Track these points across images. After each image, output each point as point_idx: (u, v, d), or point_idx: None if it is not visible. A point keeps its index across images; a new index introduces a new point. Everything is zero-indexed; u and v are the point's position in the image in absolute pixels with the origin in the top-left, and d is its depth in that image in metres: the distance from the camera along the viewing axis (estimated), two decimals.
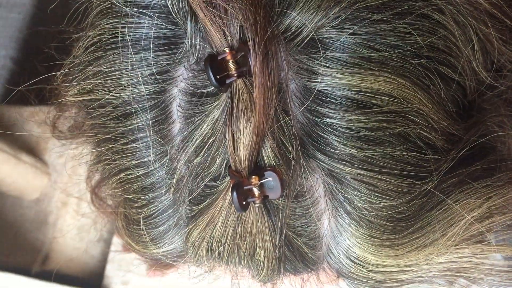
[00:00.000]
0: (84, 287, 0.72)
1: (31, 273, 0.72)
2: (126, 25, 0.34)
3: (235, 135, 0.32)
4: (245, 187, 0.33)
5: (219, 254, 0.37)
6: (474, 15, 0.34)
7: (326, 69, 0.32)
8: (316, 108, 0.33)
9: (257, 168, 0.33)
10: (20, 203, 0.77)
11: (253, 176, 0.33)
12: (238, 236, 0.35)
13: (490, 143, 0.38)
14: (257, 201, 0.33)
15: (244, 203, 0.33)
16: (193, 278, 0.44)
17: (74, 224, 0.75)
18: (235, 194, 0.32)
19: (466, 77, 0.35)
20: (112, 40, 0.35)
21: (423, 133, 0.34)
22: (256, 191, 0.33)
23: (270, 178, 0.33)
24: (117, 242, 0.74)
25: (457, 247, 0.36)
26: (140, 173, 0.37)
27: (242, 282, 0.40)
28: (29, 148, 0.79)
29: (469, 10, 0.34)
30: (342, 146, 0.33)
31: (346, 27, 0.32)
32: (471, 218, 0.35)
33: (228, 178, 0.34)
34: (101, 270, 0.73)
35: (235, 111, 0.32)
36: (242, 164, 0.33)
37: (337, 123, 0.33)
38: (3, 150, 0.73)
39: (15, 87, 0.44)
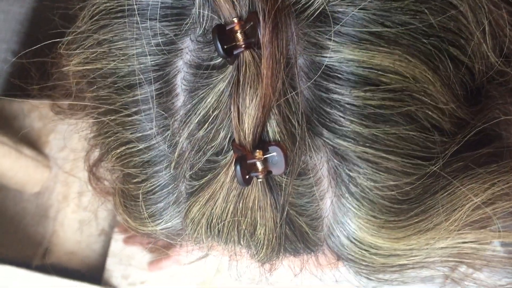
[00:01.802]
0: (85, 281, 0.71)
1: (31, 266, 0.72)
2: None
3: (240, 107, 0.32)
4: (248, 161, 0.32)
5: (219, 231, 0.36)
6: None
7: (335, 44, 0.32)
8: (322, 83, 0.32)
9: (262, 142, 0.32)
10: (21, 197, 0.77)
11: (257, 150, 0.32)
12: (239, 212, 0.35)
13: (496, 130, 0.38)
14: (260, 176, 0.33)
15: (247, 177, 0.32)
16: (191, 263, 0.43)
17: (74, 217, 0.75)
18: (238, 167, 0.32)
19: (475, 60, 0.35)
20: (119, 8, 0.34)
21: (430, 113, 0.33)
22: (259, 165, 0.32)
23: (275, 153, 0.32)
24: (118, 235, 0.74)
25: (460, 231, 0.36)
26: (141, 146, 0.36)
27: (240, 263, 0.40)
28: (30, 142, 0.79)
29: None
30: (347, 123, 0.32)
31: (356, 1, 0.32)
32: (477, 202, 0.35)
33: (231, 153, 0.34)
34: (102, 263, 0.73)
35: (241, 83, 0.32)
36: (247, 138, 0.32)
37: (343, 99, 0.32)
38: (4, 144, 0.72)
39: (17, 80, 0.44)
